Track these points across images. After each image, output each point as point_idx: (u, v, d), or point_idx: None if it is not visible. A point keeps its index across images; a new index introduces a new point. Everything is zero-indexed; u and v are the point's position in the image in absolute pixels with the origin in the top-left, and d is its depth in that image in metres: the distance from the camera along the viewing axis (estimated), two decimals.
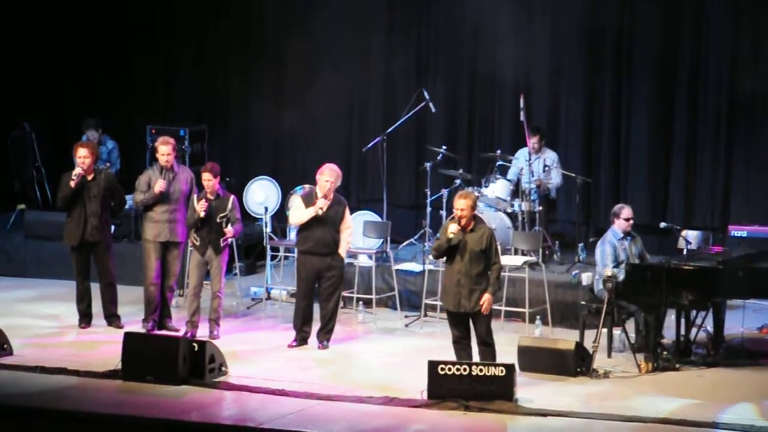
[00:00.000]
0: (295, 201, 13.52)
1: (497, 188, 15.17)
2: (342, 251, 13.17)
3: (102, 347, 12.98)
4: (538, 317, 13.94)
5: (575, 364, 12.06)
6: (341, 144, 17.69)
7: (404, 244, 15.94)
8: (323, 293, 13.16)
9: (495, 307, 12.16)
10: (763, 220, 15.25)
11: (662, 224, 14.30)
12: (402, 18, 17.39)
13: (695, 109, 16.19)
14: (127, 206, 14.53)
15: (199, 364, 11.80)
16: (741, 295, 13.02)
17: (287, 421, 10.75)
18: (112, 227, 14.33)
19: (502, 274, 12.96)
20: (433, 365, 11.28)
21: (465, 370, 11.21)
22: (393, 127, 15.94)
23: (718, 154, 16.14)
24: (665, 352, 12.47)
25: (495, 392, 11.12)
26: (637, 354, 12.40)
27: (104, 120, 16.98)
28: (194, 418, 10.93)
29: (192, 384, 11.69)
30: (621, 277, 12.62)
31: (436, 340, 13.28)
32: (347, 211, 13.25)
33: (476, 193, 14.11)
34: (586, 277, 13.92)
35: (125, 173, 16.50)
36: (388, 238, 15.10)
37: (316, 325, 13.25)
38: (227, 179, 15.45)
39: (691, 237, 14.07)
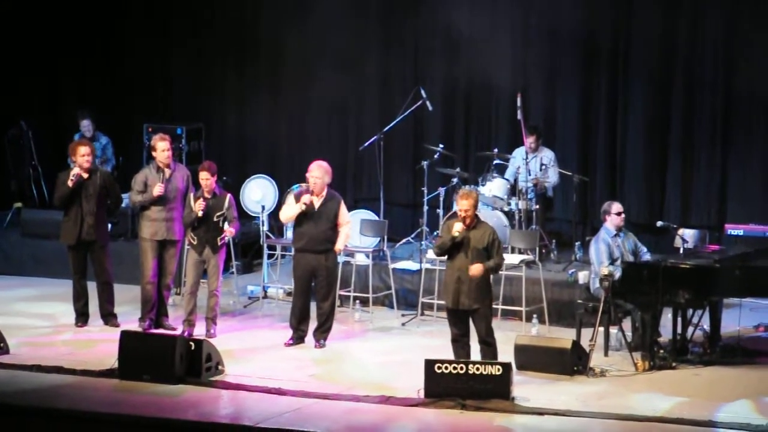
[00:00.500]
0: (288, 199, 13.54)
1: (494, 187, 15.18)
2: (340, 245, 13.18)
3: (99, 346, 12.97)
4: (534, 316, 13.95)
5: (572, 362, 12.06)
6: (338, 142, 17.70)
7: (401, 242, 15.95)
8: (319, 292, 13.16)
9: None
10: (760, 218, 15.25)
11: (659, 223, 14.32)
12: (399, 17, 17.37)
13: (691, 108, 16.19)
14: (123, 205, 14.53)
15: (195, 362, 11.80)
16: (737, 294, 13.03)
17: (284, 420, 10.75)
18: (109, 226, 14.31)
19: (500, 272, 13.00)
20: (429, 364, 11.28)
21: (462, 368, 11.22)
22: (390, 125, 15.92)
23: (714, 152, 16.13)
24: (662, 351, 12.48)
25: (492, 391, 11.13)
26: (633, 352, 12.40)
27: (101, 118, 16.98)
28: (191, 417, 10.92)
29: (189, 383, 11.69)
30: (618, 274, 12.63)
31: (433, 339, 13.27)
32: (342, 207, 13.24)
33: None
34: (582, 276, 13.90)
35: (121, 171, 16.50)
36: (385, 237, 15.11)
37: (312, 324, 13.26)
38: (224, 178, 15.42)
39: (687, 236, 14.05)
